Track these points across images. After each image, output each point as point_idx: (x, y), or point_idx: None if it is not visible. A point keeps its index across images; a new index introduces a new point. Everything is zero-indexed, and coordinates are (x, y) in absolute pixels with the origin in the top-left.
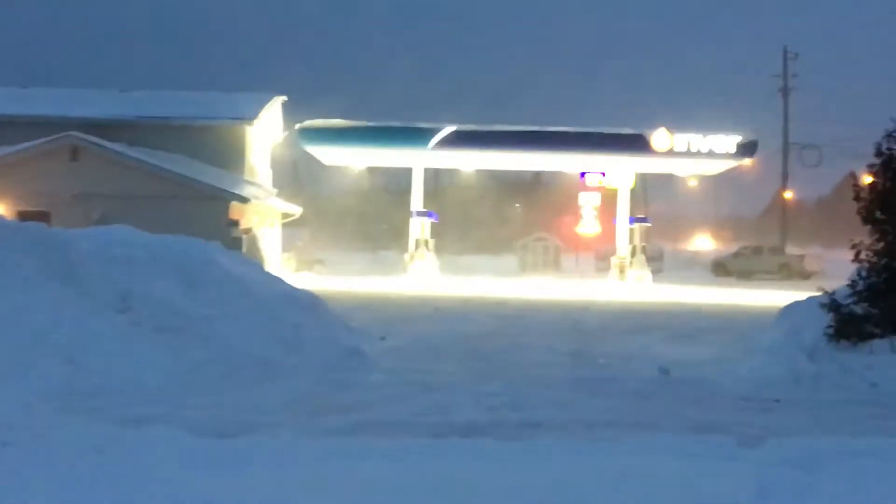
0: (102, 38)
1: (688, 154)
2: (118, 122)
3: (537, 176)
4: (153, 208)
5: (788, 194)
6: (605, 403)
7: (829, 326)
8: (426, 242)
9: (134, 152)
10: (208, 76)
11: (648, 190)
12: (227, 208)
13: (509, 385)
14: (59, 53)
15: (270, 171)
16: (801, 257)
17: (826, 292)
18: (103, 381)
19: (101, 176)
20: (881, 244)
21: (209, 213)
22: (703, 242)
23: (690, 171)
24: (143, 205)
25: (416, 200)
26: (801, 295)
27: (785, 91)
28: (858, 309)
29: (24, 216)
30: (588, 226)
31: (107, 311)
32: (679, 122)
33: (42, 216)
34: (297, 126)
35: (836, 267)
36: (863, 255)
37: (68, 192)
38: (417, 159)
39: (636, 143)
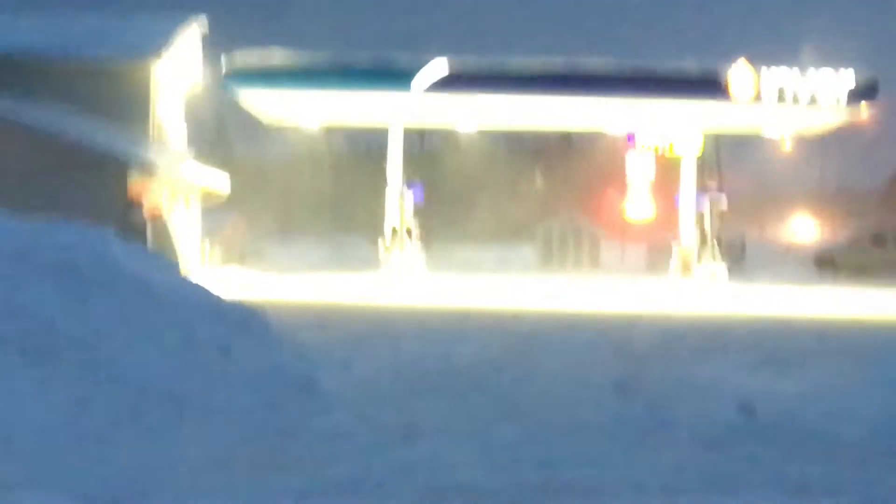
0: None
1: (780, 101)
2: None
3: (566, 136)
4: (18, 183)
5: None
6: (661, 457)
7: None
8: (408, 229)
9: None
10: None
11: (723, 155)
12: (124, 181)
13: (527, 431)
14: None
15: (186, 129)
16: None
17: None
18: None
19: None
20: None
21: (99, 188)
22: (803, 227)
23: (784, 129)
24: (2, 178)
25: (394, 170)
26: None
27: None
28: None
29: None
30: (639, 205)
31: None
32: (765, 55)
33: None
34: (224, 61)
35: None
36: None
37: None
38: (396, 112)
39: (705, 87)
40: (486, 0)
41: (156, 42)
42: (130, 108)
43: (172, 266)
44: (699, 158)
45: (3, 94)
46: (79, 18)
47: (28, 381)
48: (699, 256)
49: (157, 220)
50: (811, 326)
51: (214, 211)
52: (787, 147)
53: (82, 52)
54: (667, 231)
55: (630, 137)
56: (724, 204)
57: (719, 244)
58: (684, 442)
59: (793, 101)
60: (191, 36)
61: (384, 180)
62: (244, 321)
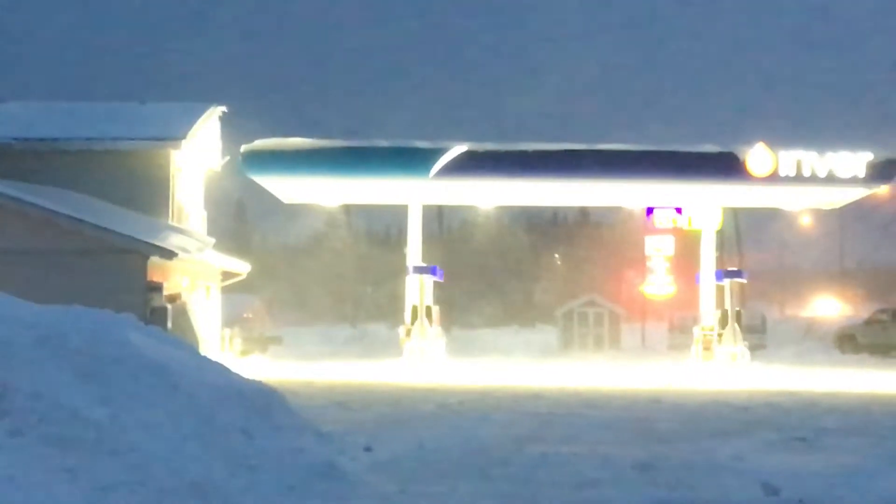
0: None
1: (798, 179)
2: None
3: (584, 214)
4: (39, 269)
5: None
6: None
7: None
8: (428, 311)
9: (10, 188)
10: (117, 86)
11: (743, 232)
12: (144, 267)
13: None
14: None
15: (205, 213)
16: None
17: None
18: None
19: None
20: None
21: (119, 273)
22: (825, 305)
23: (802, 204)
24: (24, 264)
25: (414, 251)
26: None
27: None
28: None
29: None
30: (658, 284)
31: None
32: (783, 138)
33: None
34: (243, 148)
35: None
36: None
37: None
38: (415, 192)
39: (725, 166)
40: (506, 90)
41: (177, 128)
42: (151, 192)
43: (192, 350)
44: (718, 233)
45: (24, 180)
46: (99, 104)
47: (49, 468)
48: (720, 336)
49: (178, 305)
50: (834, 404)
51: (235, 296)
52: (807, 222)
53: (103, 138)
54: (687, 308)
55: (649, 212)
56: (744, 281)
57: (740, 323)
58: None
59: (811, 178)
60: (211, 122)
61: (403, 261)
62: (265, 404)
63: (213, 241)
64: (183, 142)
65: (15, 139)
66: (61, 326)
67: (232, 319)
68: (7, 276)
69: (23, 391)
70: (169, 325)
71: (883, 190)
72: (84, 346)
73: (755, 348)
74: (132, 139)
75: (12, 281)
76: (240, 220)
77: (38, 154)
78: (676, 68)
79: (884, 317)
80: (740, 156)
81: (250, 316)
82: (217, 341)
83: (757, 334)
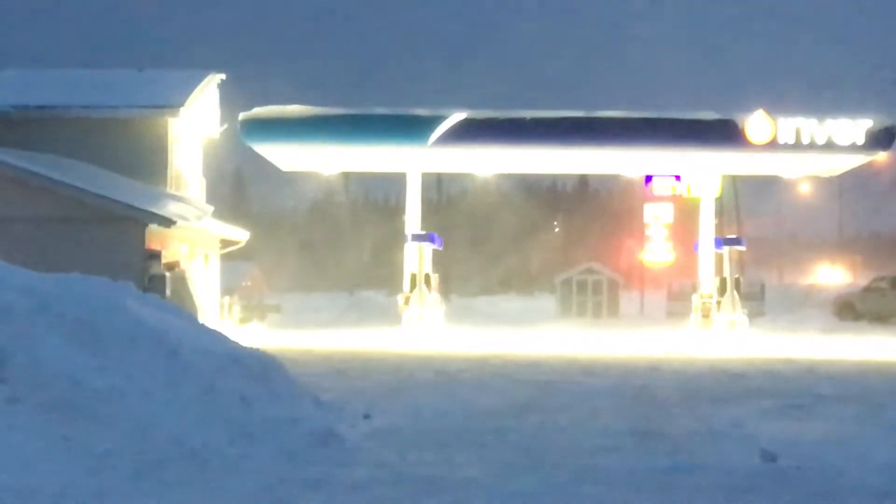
0: None
1: (797, 147)
2: None
3: (583, 182)
4: (37, 237)
5: None
6: None
7: None
8: (427, 279)
9: (8, 156)
10: (113, 52)
11: (742, 200)
12: (142, 234)
13: (548, 482)
14: None
15: (204, 181)
16: None
17: None
18: None
19: None
20: None
21: (117, 241)
22: (824, 273)
23: (801, 172)
24: (23, 231)
25: (413, 219)
26: None
27: None
28: None
29: None
30: (657, 252)
31: None
32: (782, 105)
33: None
34: (242, 116)
35: None
36: None
37: None
38: (413, 160)
39: (724, 133)
40: (506, 55)
41: (175, 96)
42: (149, 160)
43: (191, 318)
44: (717, 201)
45: (22, 148)
46: (97, 72)
47: (48, 436)
48: (719, 304)
49: (176, 273)
50: (831, 372)
51: (233, 263)
52: (806, 190)
53: (101, 106)
54: (686, 276)
55: (647, 180)
56: (743, 249)
57: (739, 291)
58: (706, 489)
59: (810, 145)
60: (209, 89)
61: (401, 229)
62: (264, 372)
63: (211, 208)
64: (181, 109)
65: (13, 107)
66: (59, 294)
67: (230, 287)
68: (5, 244)
69: (21, 358)
70: (167, 293)
71: (882, 157)
72: (82, 314)
73: (754, 316)
74: (130, 107)
75: (11, 249)
76: (238, 187)
77: (35, 122)
78: (677, 34)
79: (882, 284)
80: (739, 123)
81: (249, 284)
82: (216, 309)
83: (755, 302)
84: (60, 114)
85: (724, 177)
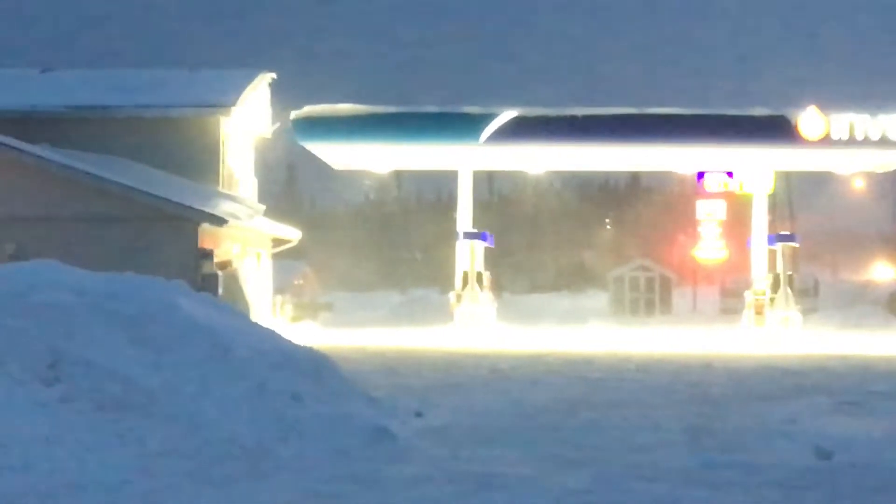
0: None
1: (851, 142)
2: (40, 114)
3: (635, 179)
4: (90, 236)
5: None
6: (738, 501)
7: None
8: (479, 277)
9: (61, 157)
10: (165, 51)
11: (795, 195)
12: (195, 234)
13: (600, 478)
14: None
15: (256, 180)
16: None
17: None
18: (24, 484)
19: (15, 191)
20: None
21: (170, 241)
22: (878, 269)
23: (855, 167)
24: (77, 231)
25: (464, 217)
26: None
27: None
28: None
29: None
30: (709, 248)
31: (27, 382)
32: (834, 100)
33: None
34: (293, 114)
35: None
36: None
37: None
38: (465, 158)
39: (776, 129)
40: (554, 52)
41: (226, 95)
42: (201, 159)
43: (243, 316)
44: (770, 197)
45: (75, 148)
46: (149, 72)
47: (102, 434)
48: (772, 300)
49: (228, 272)
50: (886, 369)
51: (285, 262)
52: (860, 186)
53: (153, 106)
54: (739, 273)
55: (700, 176)
56: (796, 245)
57: (792, 287)
58: (759, 487)
59: (864, 141)
60: (260, 88)
61: (453, 227)
62: (316, 370)
63: (263, 207)
64: (233, 108)
65: (65, 107)
66: (113, 293)
67: (283, 286)
68: (59, 244)
69: (75, 358)
70: (220, 291)
71: None
72: (136, 313)
73: (807, 312)
74: (182, 106)
75: (65, 249)
76: (290, 186)
77: (88, 122)
78: (726, 29)
79: None
80: (792, 119)
81: (301, 282)
82: (268, 308)
83: (809, 298)
84: (113, 114)
85: (777, 173)
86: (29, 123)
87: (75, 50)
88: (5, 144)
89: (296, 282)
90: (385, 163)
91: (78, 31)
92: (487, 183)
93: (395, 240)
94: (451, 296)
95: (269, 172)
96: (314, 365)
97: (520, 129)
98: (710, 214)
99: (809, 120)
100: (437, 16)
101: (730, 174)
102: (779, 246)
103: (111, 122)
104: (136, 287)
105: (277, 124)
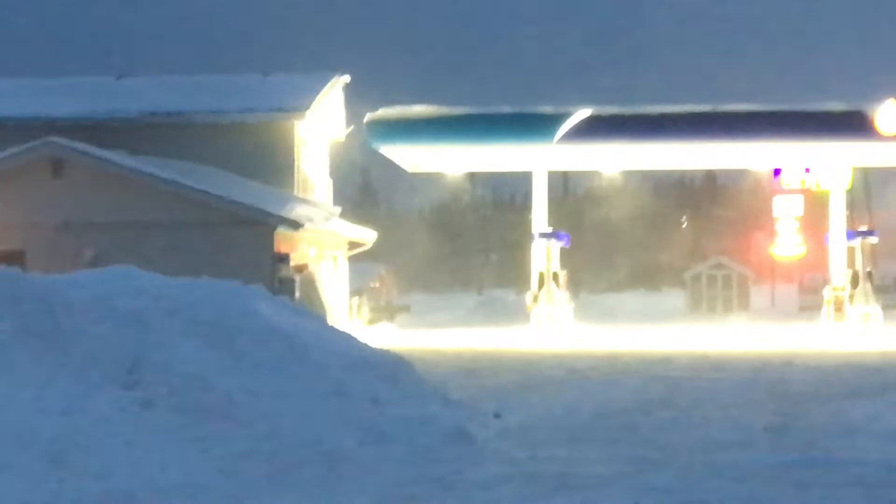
0: (91, 7)
1: None
2: (116, 120)
3: (711, 177)
4: (168, 242)
5: None
6: (821, 499)
7: None
8: (555, 276)
9: (139, 163)
10: (238, 56)
11: (873, 191)
12: (271, 238)
13: (683, 477)
14: (29, 30)
15: (331, 183)
16: None
17: None
18: (105, 488)
19: (93, 197)
20: None
21: (247, 245)
22: None
23: None
24: (154, 237)
25: (539, 217)
26: None
27: None
28: None
29: None
30: (787, 245)
31: (108, 387)
32: None
33: (15, 257)
34: (367, 117)
35: None
36: None
37: (49, 223)
38: (539, 158)
39: (853, 124)
40: (628, 51)
41: (302, 99)
42: (277, 163)
43: (320, 320)
44: (848, 192)
45: (151, 154)
46: (223, 77)
47: (182, 439)
48: (852, 296)
49: (305, 275)
50: None
51: (361, 264)
52: None
53: (228, 111)
54: (817, 269)
55: (776, 173)
56: (875, 241)
57: (872, 283)
58: (842, 484)
59: None
60: (334, 91)
61: (529, 228)
62: (393, 372)
63: (338, 210)
64: (307, 112)
65: (142, 114)
66: (191, 298)
67: (359, 288)
68: (137, 250)
69: (155, 363)
70: (297, 295)
71: None
72: (214, 318)
73: (887, 308)
74: (257, 111)
75: (142, 254)
76: (365, 188)
77: (163, 128)
78: (801, 23)
79: None
80: (869, 113)
81: (377, 285)
82: (345, 310)
83: (889, 294)
84: (188, 119)
85: (855, 168)
86: (106, 130)
87: (151, 56)
88: (83, 151)
89: (372, 284)
90: (459, 164)
91: (153, 37)
92: (562, 182)
93: (470, 241)
94: (528, 296)
95: (344, 175)
96: (392, 368)
97: (594, 128)
98: (787, 211)
99: (887, 114)
100: (509, 14)
101: (806, 170)
102: (857, 242)
103: (187, 127)
104: (213, 292)
105: (352, 127)
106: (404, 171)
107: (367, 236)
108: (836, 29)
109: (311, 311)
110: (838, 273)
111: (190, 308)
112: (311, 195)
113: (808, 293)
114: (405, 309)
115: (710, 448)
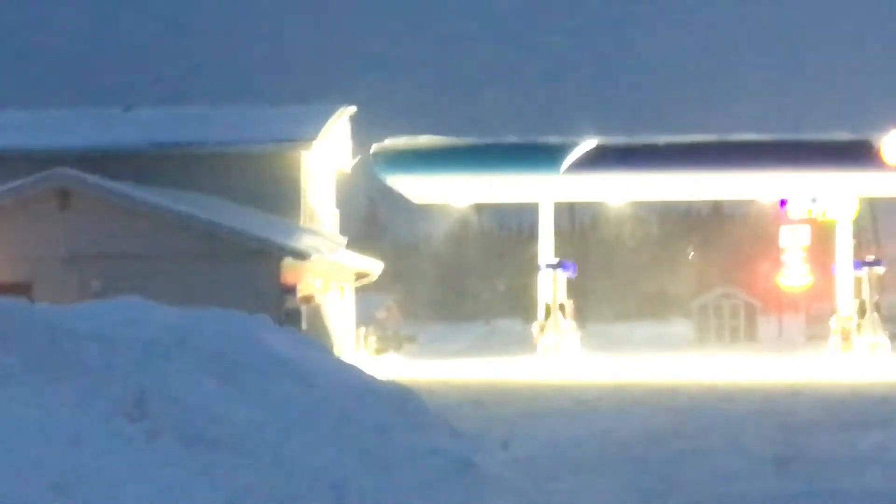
0: (97, 39)
1: None
2: (123, 151)
3: (717, 206)
4: (175, 272)
5: None
6: None
7: None
8: (561, 307)
9: (145, 194)
10: (244, 88)
11: (879, 221)
12: (278, 268)
13: None
14: (37, 62)
15: (337, 214)
16: None
17: None
18: None
19: (100, 229)
20: None
21: (254, 275)
22: None
23: None
24: (161, 267)
25: (546, 248)
26: None
27: None
28: None
29: None
30: (794, 275)
31: (114, 418)
32: None
33: (21, 288)
34: (374, 148)
35: None
36: None
37: (56, 254)
38: (545, 189)
39: (859, 154)
40: (632, 80)
41: (308, 130)
42: (283, 194)
43: (326, 350)
44: (855, 223)
45: (157, 185)
46: (229, 108)
47: (188, 469)
48: (859, 326)
49: (311, 306)
50: None
51: (368, 294)
52: None
53: (235, 142)
54: (824, 300)
55: (782, 203)
56: (882, 271)
57: (879, 313)
58: None
59: None
60: (341, 122)
61: (535, 258)
62: (399, 402)
63: (345, 240)
64: (314, 143)
65: (148, 145)
66: (197, 329)
67: (366, 319)
68: (143, 281)
69: (160, 393)
70: (303, 326)
71: None
72: (220, 348)
73: (895, 338)
74: (263, 142)
75: (149, 285)
76: (371, 219)
77: (170, 159)
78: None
79: None
80: (875, 143)
81: (384, 315)
82: (351, 341)
83: None
84: (195, 150)
85: (861, 198)
86: (112, 161)
87: (157, 88)
88: (90, 183)
89: (379, 314)
90: (465, 195)
91: (159, 69)
92: (569, 213)
93: (476, 271)
94: (534, 326)
95: (351, 205)
96: (398, 398)
97: (600, 158)
98: (793, 241)
99: (893, 144)
100: (515, 45)
101: (813, 200)
102: (864, 271)
103: (193, 158)
104: (219, 322)
105: (358, 157)
106: (411, 202)
107: (374, 267)
108: (842, 58)
109: (318, 341)
110: (845, 303)
111: (196, 339)
112: (318, 226)
113: (816, 323)
114: (412, 339)
115: (717, 479)
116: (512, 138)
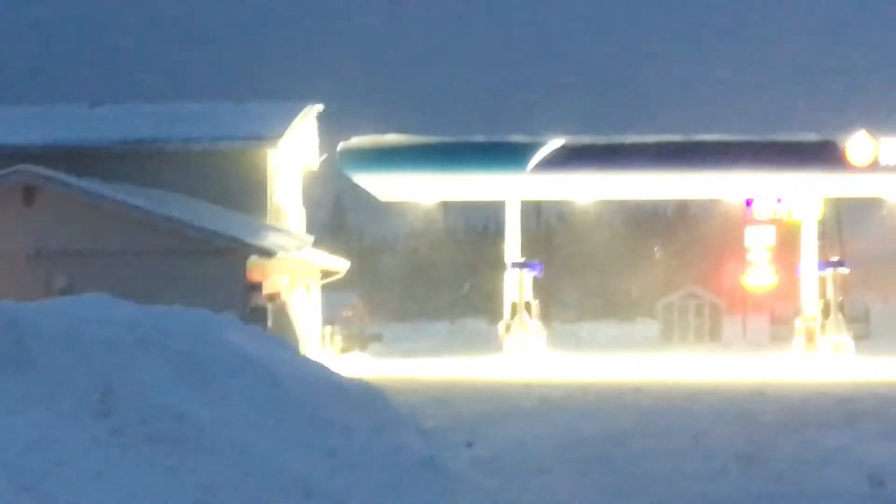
0: (61, 35)
1: None
2: (89, 148)
3: (683, 206)
4: (140, 269)
5: None
6: None
7: None
8: (527, 306)
9: (111, 191)
10: (213, 85)
11: (844, 222)
12: (244, 266)
13: None
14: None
15: (303, 212)
16: None
17: None
18: None
19: (66, 226)
20: None
21: (219, 273)
22: None
23: None
24: (126, 265)
25: (512, 247)
26: None
27: None
28: None
29: None
30: (759, 275)
31: (78, 416)
32: (884, 124)
33: None
34: (340, 146)
35: None
36: None
37: (20, 251)
38: (512, 188)
39: (824, 155)
40: (601, 79)
41: (274, 127)
42: (249, 192)
43: (292, 348)
44: (820, 223)
45: (123, 181)
46: (196, 105)
47: (153, 468)
48: (823, 327)
49: (277, 304)
50: None
51: (334, 293)
52: None
53: (201, 139)
54: (789, 300)
55: (748, 203)
56: (846, 272)
57: (843, 313)
58: None
59: None
60: (308, 120)
61: (501, 257)
62: (366, 401)
63: (311, 239)
64: (280, 141)
65: (114, 142)
66: (162, 327)
67: (332, 317)
68: (108, 277)
69: (125, 391)
70: (269, 324)
71: None
72: (185, 346)
73: (859, 338)
74: (229, 139)
75: (113, 282)
76: (338, 217)
77: (136, 156)
78: (775, 53)
79: None
80: (840, 144)
81: (350, 313)
82: (317, 339)
83: (860, 325)
84: (161, 147)
85: (826, 199)
86: (78, 158)
87: (123, 85)
88: (55, 179)
89: (344, 313)
90: (431, 193)
91: (126, 65)
92: (535, 212)
93: (442, 270)
94: (500, 325)
95: (317, 203)
96: (364, 396)
97: (567, 158)
98: (759, 241)
99: (858, 145)
100: (483, 44)
101: (778, 200)
102: (829, 272)
103: (159, 155)
104: (185, 320)
105: (325, 156)
106: (377, 200)
107: (340, 265)
108: (808, 59)
109: (284, 340)
110: (810, 303)
111: (162, 337)
112: (284, 224)
113: (780, 323)
114: (378, 338)
115: (681, 478)
116: (479, 137)
